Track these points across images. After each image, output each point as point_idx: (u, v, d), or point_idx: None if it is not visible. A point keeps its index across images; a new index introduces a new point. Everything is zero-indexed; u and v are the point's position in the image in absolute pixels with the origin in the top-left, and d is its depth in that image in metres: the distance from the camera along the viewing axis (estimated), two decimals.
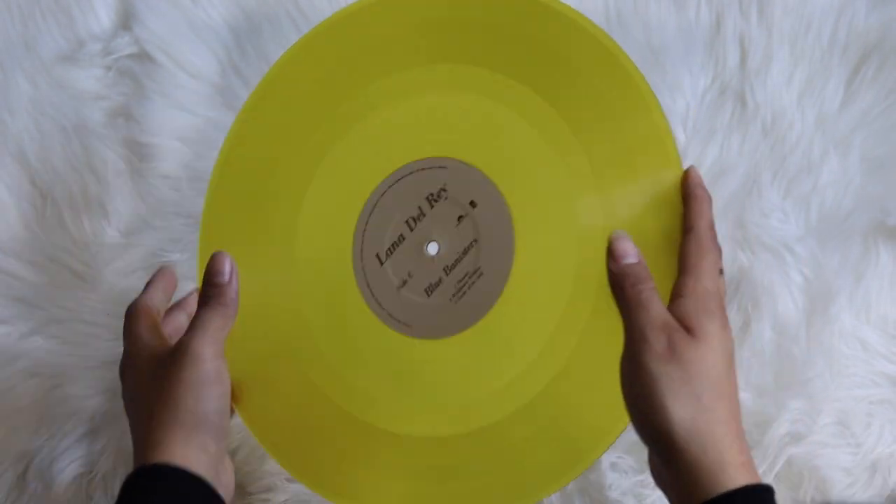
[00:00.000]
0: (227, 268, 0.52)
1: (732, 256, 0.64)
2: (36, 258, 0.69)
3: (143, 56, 0.70)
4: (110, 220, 0.69)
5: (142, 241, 0.68)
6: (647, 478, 0.61)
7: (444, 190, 0.53)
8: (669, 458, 0.43)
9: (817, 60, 0.67)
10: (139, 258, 0.68)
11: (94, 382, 0.67)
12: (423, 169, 0.54)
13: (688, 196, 0.49)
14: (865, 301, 0.63)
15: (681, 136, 0.66)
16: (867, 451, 0.61)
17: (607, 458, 0.62)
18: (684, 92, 0.67)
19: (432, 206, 0.53)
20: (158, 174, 0.69)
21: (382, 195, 0.54)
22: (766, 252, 0.64)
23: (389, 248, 0.54)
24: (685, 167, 0.51)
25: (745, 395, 0.62)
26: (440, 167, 0.53)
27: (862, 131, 0.65)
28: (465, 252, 0.53)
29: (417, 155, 0.54)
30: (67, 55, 0.72)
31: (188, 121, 0.69)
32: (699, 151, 0.66)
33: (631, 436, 0.62)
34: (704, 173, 0.66)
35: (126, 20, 0.71)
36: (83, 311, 0.68)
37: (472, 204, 0.53)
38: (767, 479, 0.61)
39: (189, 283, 0.66)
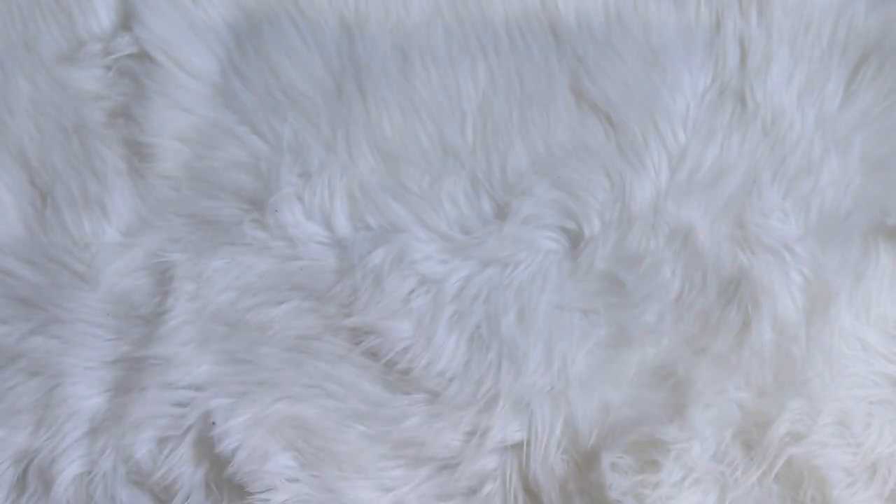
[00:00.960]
0: None
1: (732, 256, 0.64)
2: (36, 258, 0.69)
3: (143, 56, 0.70)
4: (110, 220, 0.69)
5: (142, 241, 0.68)
6: (647, 478, 0.61)
7: None
8: None
9: (817, 60, 0.67)
10: (139, 258, 0.68)
11: (94, 382, 0.67)
12: None
13: None
14: (865, 301, 0.63)
15: (681, 136, 0.66)
16: (867, 451, 0.61)
17: (607, 458, 0.62)
18: (684, 92, 0.67)
19: None
20: (158, 174, 0.69)
21: None
22: (766, 252, 0.64)
23: None
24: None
25: (745, 395, 0.62)
26: None
27: (862, 131, 0.65)
28: None
29: None
30: (67, 55, 0.72)
31: (188, 121, 0.69)
32: (699, 151, 0.66)
33: (631, 436, 0.62)
34: (704, 173, 0.66)
35: (126, 20, 0.71)
36: (83, 311, 0.68)
37: None
38: (767, 480, 0.61)
39: (189, 283, 0.67)
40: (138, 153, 0.70)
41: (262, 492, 0.64)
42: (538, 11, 0.69)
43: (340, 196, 0.67)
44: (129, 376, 0.67)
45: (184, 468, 0.65)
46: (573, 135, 0.68)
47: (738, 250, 0.64)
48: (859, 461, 0.61)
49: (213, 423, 0.65)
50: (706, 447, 0.61)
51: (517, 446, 0.64)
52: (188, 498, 0.65)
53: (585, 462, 0.63)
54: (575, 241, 0.66)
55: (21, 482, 0.67)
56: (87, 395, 0.67)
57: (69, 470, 0.65)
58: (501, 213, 0.67)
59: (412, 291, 0.66)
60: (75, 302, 0.68)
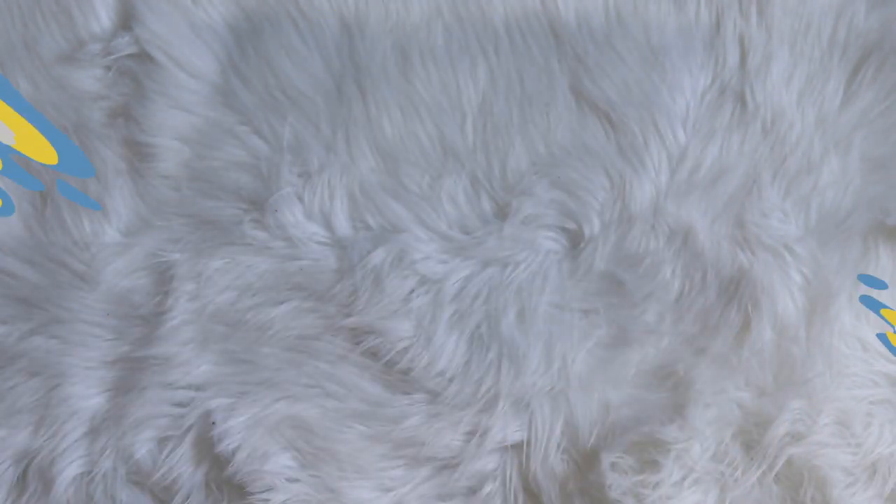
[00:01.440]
0: None
1: (732, 256, 0.64)
2: (36, 258, 0.69)
3: (143, 56, 0.70)
4: (110, 220, 0.69)
5: (142, 241, 0.68)
6: (647, 477, 0.61)
7: None
8: None
9: (817, 60, 0.67)
10: (139, 258, 0.68)
11: (94, 382, 0.67)
12: None
13: None
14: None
15: (681, 136, 0.66)
16: (867, 451, 0.61)
17: (607, 458, 0.62)
18: (684, 92, 0.67)
19: None
20: (158, 174, 0.69)
21: None
22: (766, 252, 0.64)
23: None
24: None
25: (745, 395, 0.62)
26: None
27: (862, 131, 0.65)
28: None
29: None
30: (67, 55, 0.72)
31: (188, 121, 0.69)
32: (699, 151, 0.66)
33: (631, 436, 0.62)
34: (704, 173, 0.66)
35: (126, 20, 0.71)
36: (83, 311, 0.68)
37: None
38: (767, 480, 0.61)
39: (189, 283, 0.67)
40: (138, 153, 0.70)
41: (262, 492, 0.64)
42: (538, 11, 0.69)
43: (340, 196, 0.67)
44: (129, 376, 0.67)
45: (184, 468, 0.65)
46: (573, 135, 0.68)
47: (738, 250, 0.64)
48: (859, 461, 0.61)
49: (213, 423, 0.65)
50: (706, 447, 0.61)
51: (517, 446, 0.64)
52: (188, 498, 0.65)
53: (585, 462, 0.63)
54: (575, 241, 0.66)
55: (21, 482, 0.67)
56: (87, 395, 0.67)
57: (69, 470, 0.65)
58: (501, 213, 0.67)
59: (412, 291, 0.66)
60: (75, 302, 0.68)
